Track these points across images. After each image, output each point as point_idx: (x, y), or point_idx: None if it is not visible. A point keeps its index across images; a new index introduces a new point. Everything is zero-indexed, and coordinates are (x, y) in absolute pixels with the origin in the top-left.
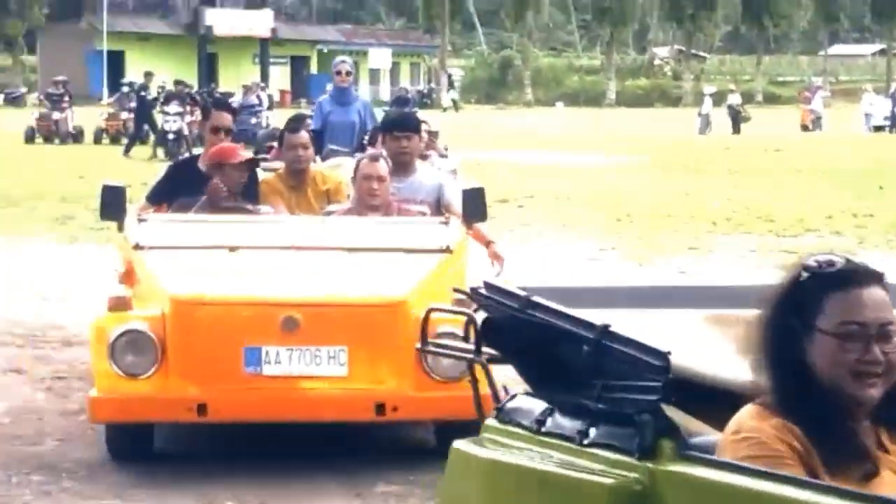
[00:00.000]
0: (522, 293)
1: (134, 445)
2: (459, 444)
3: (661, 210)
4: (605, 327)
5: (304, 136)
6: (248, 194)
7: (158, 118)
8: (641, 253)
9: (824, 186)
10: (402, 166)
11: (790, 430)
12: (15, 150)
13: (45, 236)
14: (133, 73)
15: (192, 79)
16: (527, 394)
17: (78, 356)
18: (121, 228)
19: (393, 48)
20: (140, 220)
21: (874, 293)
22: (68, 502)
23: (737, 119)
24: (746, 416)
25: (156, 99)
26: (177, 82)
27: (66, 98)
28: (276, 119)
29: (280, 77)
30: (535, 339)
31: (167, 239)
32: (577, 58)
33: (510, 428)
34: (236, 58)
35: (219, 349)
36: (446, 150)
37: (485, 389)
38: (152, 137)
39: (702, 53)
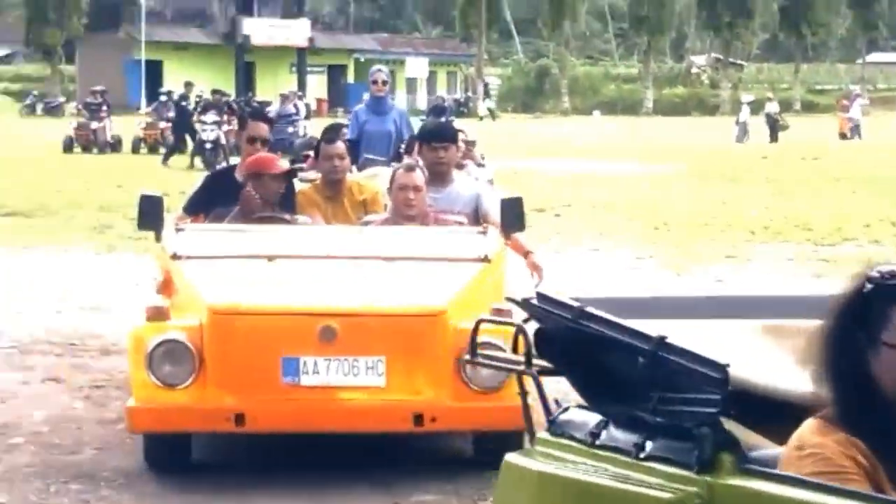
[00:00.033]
0: (576, 304)
1: (171, 455)
2: (511, 458)
3: (698, 219)
4: (662, 339)
5: (340, 146)
6: (285, 205)
7: (196, 127)
8: (679, 262)
9: (863, 195)
10: (439, 177)
11: (854, 445)
12: (53, 159)
13: (83, 245)
14: (171, 82)
15: (229, 88)
16: (579, 406)
17: (116, 365)
18: (158, 238)
19: (430, 57)
20: (178, 230)
21: None
22: None
23: (775, 127)
24: (809, 430)
25: (194, 108)
26: (214, 91)
27: (105, 107)
28: (313, 128)
29: (317, 86)
30: (588, 350)
31: (205, 249)
32: (614, 66)
33: (563, 441)
34: (273, 67)
35: (257, 359)
36: (483, 158)
37: (525, 401)
38: (191, 147)
39: (739, 62)
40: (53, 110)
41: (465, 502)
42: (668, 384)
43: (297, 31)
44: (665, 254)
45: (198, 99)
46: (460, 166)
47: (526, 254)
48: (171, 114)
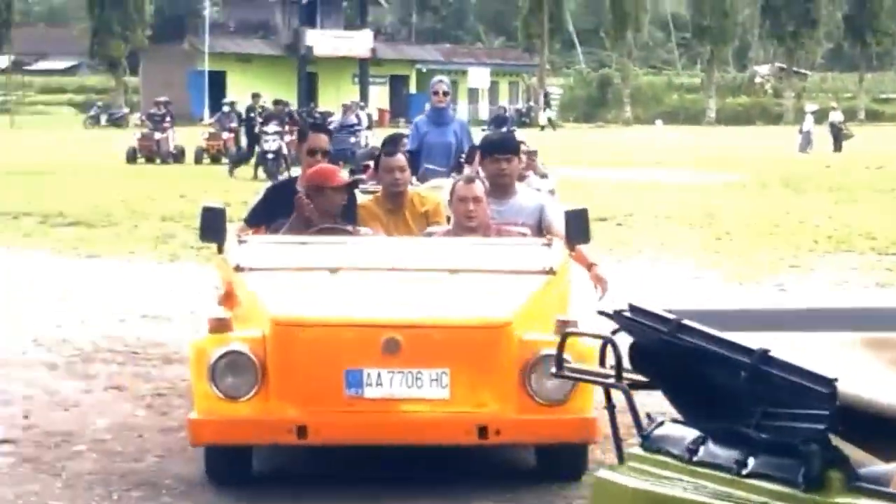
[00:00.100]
0: (672, 316)
1: (232, 468)
2: (604, 474)
3: (761, 228)
4: (765, 352)
5: (400, 158)
6: (347, 216)
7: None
8: (742, 272)
9: None
10: (501, 189)
11: None
12: (117, 169)
13: (146, 255)
14: (234, 93)
15: (292, 99)
16: (674, 421)
17: (178, 373)
18: (220, 250)
19: (492, 67)
20: (240, 242)
21: None
22: None
23: (838, 137)
24: None
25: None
26: (276, 102)
27: (168, 118)
28: (375, 138)
29: (379, 96)
30: (685, 364)
31: (267, 260)
32: (676, 76)
33: (658, 457)
34: (336, 77)
35: (320, 371)
36: (544, 166)
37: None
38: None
39: (803, 71)
40: (117, 121)
41: None
42: (771, 399)
43: (359, 42)
44: (728, 264)
45: (260, 110)
46: (521, 177)
47: (589, 266)
48: (234, 124)
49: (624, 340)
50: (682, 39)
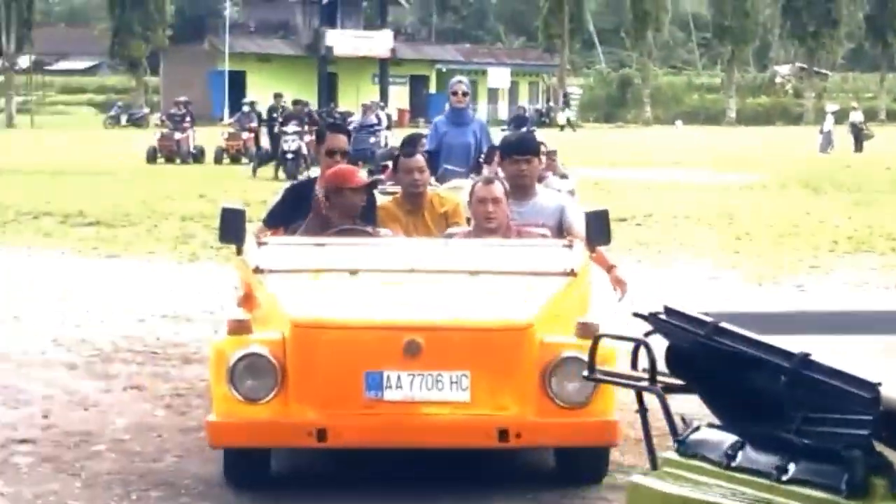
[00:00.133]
0: (709, 319)
1: (250, 469)
2: (638, 479)
3: (781, 229)
4: (805, 356)
5: (419, 159)
6: (366, 217)
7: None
8: (761, 272)
9: None
10: (521, 190)
11: None
12: (137, 169)
13: (165, 255)
14: (254, 93)
15: (312, 99)
16: (710, 425)
17: (197, 373)
18: (240, 251)
19: (512, 67)
20: (260, 244)
21: None
22: None
23: (859, 137)
24: None
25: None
26: (295, 102)
27: (188, 118)
28: (395, 138)
29: (399, 96)
30: (722, 367)
31: (287, 262)
32: (696, 76)
33: (694, 462)
34: (356, 78)
35: (339, 374)
36: (563, 166)
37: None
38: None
39: (824, 71)
40: (138, 121)
41: None
42: (812, 403)
43: (379, 42)
44: (747, 264)
45: (280, 110)
46: (541, 178)
47: (609, 268)
48: (253, 124)
49: (656, 343)
50: (703, 39)
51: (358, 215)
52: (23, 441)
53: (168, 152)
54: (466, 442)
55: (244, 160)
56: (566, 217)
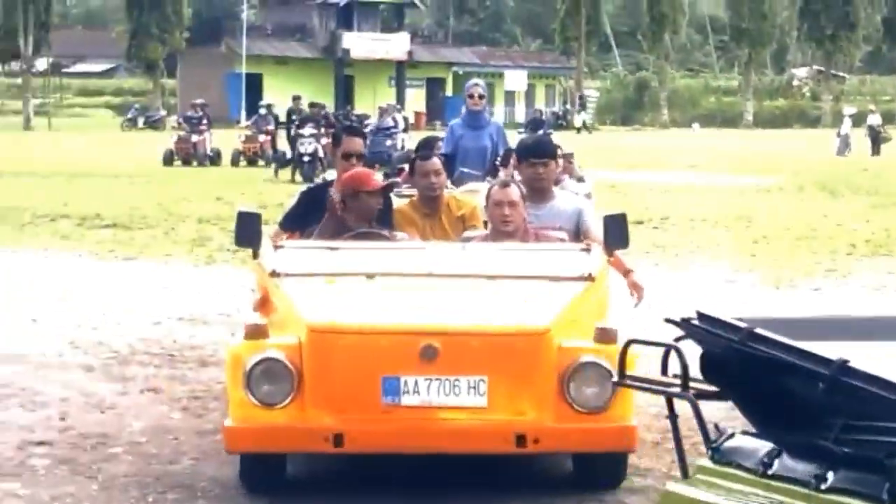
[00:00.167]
0: (743, 324)
1: (267, 474)
2: (673, 487)
3: (798, 232)
4: (844, 362)
5: (435, 162)
6: (383, 220)
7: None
8: (778, 275)
9: None
10: (538, 193)
11: None
12: (153, 172)
13: (182, 257)
14: (271, 95)
15: (328, 101)
16: (745, 433)
17: (214, 376)
18: (256, 255)
19: (529, 70)
20: (276, 248)
21: None
22: None
23: (877, 140)
24: None
25: (292, 122)
26: (311, 104)
27: (205, 121)
28: (412, 141)
29: (416, 99)
30: (758, 374)
31: (303, 266)
32: (714, 78)
33: (729, 470)
34: (372, 80)
35: (356, 378)
36: (580, 169)
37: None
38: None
39: (841, 74)
40: (154, 124)
41: None
42: (851, 411)
43: (396, 45)
44: (764, 267)
45: (299, 112)
46: (557, 181)
47: (626, 272)
48: (270, 126)
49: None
50: (720, 42)
51: (374, 218)
52: (40, 443)
53: (185, 155)
54: (484, 447)
55: (261, 163)
56: (584, 220)
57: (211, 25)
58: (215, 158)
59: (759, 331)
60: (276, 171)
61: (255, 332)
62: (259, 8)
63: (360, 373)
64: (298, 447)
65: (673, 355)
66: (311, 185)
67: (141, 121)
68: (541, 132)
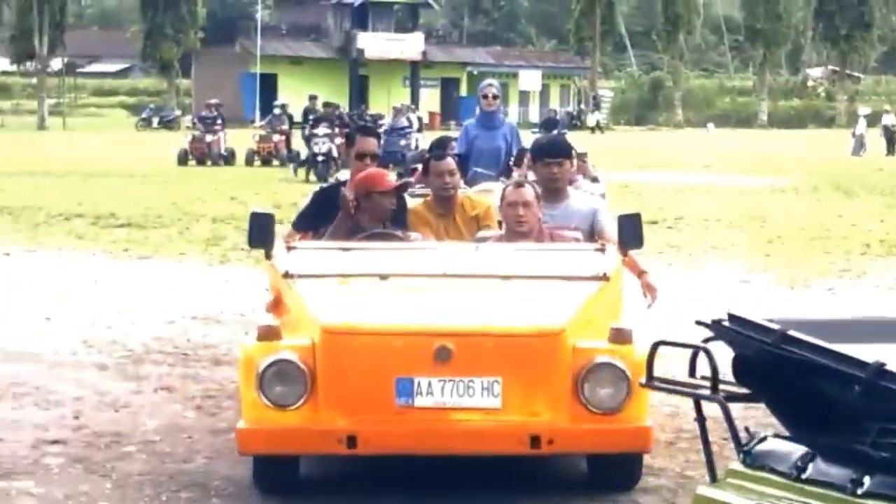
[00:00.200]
0: (776, 326)
1: (280, 474)
2: (704, 491)
3: (812, 232)
4: (881, 365)
5: (449, 162)
6: (396, 221)
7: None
8: (793, 275)
9: None
10: (553, 193)
11: None
12: (168, 171)
13: (196, 257)
14: (285, 95)
15: (343, 101)
16: (778, 436)
17: (227, 375)
18: (269, 256)
19: (543, 70)
20: (289, 248)
21: None
22: None
23: (892, 140)
24: None
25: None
26: (325, 104)
27: (219, 121)
28: (426, 141)
29: (430, 99)
30: (791, 376)
31: (317, 267)
32: (728, 79)
33: (761, 473)
34: (387, 80)
35: (369, 380)
36: (595, 169)
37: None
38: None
39: (856, 74)
40: (169, 123)
41: None
42: (889, 415)
43: (410, 45)
44: (778, 267)
45: (315, 111)
46: (571, 181)
47: (640, 273)
48: (285, 126)
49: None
50: (735, 42)
51: (388, 219)
52: (54, 442)
53: (199, 154)
54: (498, 448)
55: (275, 163)
56: (599, 220)
57: (225, 25)
58: (230, 158)
59: (792, 333)
60: (294, 170)
61: (268, 334)
62: (273, 8)
63: (374, 374)
64: (311, 449)
65: (700, 357)
66: (325, 184)
67: (155, 121)
68: (555, 132)
